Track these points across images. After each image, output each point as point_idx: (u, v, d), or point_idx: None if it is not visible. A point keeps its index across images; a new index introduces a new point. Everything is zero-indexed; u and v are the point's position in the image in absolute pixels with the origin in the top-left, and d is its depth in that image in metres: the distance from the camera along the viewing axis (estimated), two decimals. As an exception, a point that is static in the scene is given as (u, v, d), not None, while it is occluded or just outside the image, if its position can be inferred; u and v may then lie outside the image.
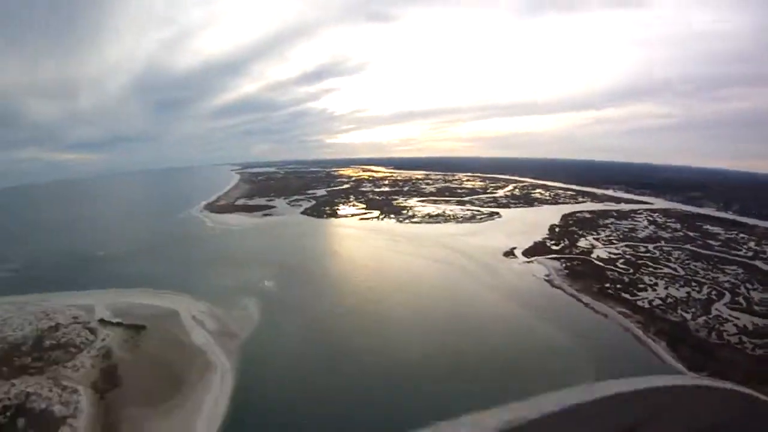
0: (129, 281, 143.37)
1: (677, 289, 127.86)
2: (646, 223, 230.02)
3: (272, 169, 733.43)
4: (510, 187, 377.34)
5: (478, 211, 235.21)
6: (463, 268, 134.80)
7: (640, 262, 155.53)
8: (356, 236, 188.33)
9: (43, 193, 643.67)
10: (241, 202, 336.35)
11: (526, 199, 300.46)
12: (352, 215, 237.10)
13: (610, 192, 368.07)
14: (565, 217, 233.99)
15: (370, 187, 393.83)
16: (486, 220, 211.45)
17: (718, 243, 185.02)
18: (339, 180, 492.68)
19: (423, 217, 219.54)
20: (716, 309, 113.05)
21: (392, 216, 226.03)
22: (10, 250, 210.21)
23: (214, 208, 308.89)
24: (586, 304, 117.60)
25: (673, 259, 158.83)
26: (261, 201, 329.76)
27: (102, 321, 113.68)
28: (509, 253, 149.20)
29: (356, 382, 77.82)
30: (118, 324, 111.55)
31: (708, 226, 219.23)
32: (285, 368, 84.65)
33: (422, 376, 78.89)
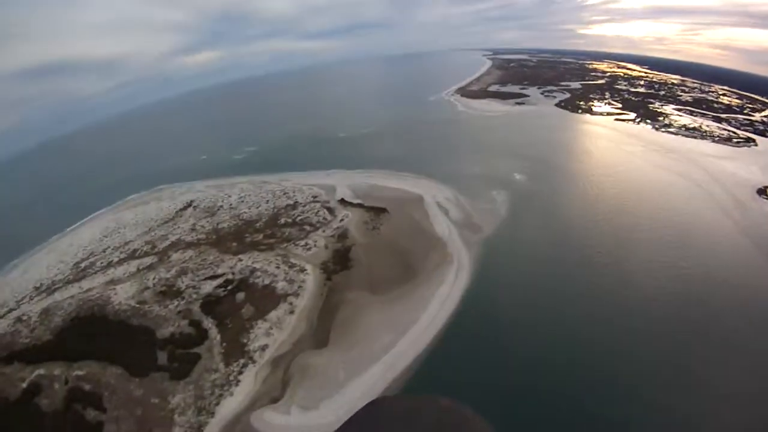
0: (374, 163, 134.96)
1: None
2: None
3: (524, 57, 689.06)
4: (767, 111, 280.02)
5: (734, 133, 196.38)
6: (713, 197, 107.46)
7: None
8: (610, 138, 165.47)
9: (287, 79, 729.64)
10: (493, 88, 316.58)
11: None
12: (608, 114, 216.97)
13: None
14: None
15: (625, 85, 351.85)
16: (743, 145, 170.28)
17: None
18: (593, 74, 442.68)
19: (679, 128, 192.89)
20: None
21: (648, 121, 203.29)
22: (253, 132, 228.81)
23: (466, 92, 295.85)
24: None
25: None
26: (514, 88, 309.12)
27: (342, 201, 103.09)
28: (762, 192, 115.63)
29: (585, 315, 62.03)
30: (359, 205, 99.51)
31: None
32: (523, 276, 72.20)
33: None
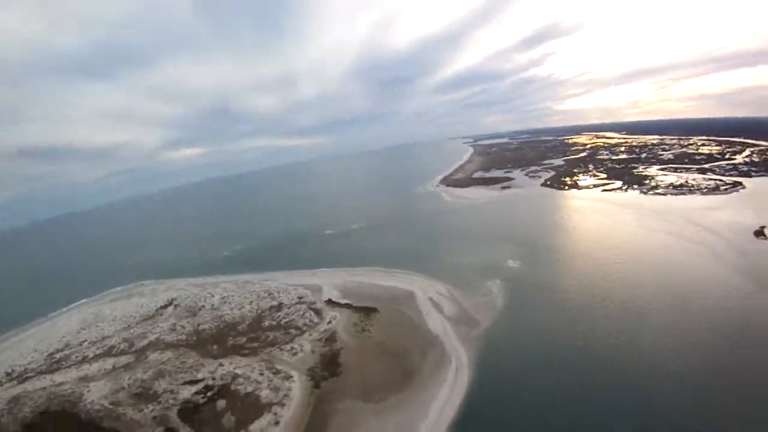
0: (361, 260, 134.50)
1: None
2: None
3: (504, 140, 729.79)
4: (747, 152, 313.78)
5: (720, 180, 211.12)
6: (714, 252, 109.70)
7: None
8: (601, 210, 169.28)
9: (274, 176, 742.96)
10: (477, 174, 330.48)
11: (767, 166, 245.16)
12: (594, 186, 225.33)
13: None
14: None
15: (606, 154, 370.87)
16: (731, 191, 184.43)
17: None
18: (574, 148, 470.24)
19: (666, 187, 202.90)
20: None
21: (635, 187, 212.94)
22: (239, 229, 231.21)
23: (451, 181, 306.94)
24: None
25: None
26: (498, 173, 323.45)
27: (329, 302, 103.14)
28: (760, 233, 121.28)
29: (605, 402, 58.92)
30: (347, 305, 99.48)
31: None
32: (528, 370, 68.61)
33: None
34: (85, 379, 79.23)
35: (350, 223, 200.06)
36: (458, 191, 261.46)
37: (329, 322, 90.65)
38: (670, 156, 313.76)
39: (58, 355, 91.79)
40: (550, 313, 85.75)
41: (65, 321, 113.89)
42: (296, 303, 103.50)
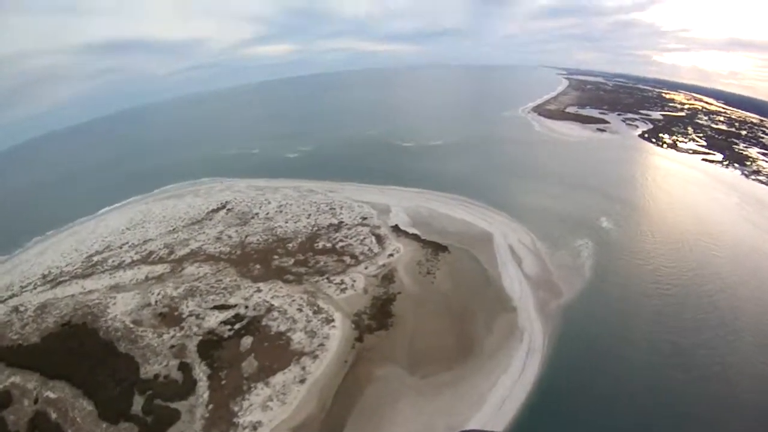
0: (437, 183, 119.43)
1: None
2: None
3: (600, 79, 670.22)
4: None
5: None
6: None
7: None
8: (702, 183, 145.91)
9: (359, 79, 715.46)
10: (571, 110, 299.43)
11: None
12: (693, 152, 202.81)
13: None
14: None
15: (706, 120, 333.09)
16: None
17: None
18: (671, 105, 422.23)
19: None
20: None
21: (736, 165, 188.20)
22: (312, 130, 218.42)
23: (543, 111, 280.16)
24: None
25: None
26: (593, 112, 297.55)
27: (395, 229, 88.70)
28: None
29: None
30: (415, 237, 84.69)
31: None
32: (618, 367, 54.42)
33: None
34: (116, 288, 73.58)
35: (430, 138, 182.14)
36: (550, 123, 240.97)
37: (390, 255, 76.68)
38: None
39: (95, 258, 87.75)
40: (645, 295, 71.12)
41: (115, 218, 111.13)
42: (358, 224, 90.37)
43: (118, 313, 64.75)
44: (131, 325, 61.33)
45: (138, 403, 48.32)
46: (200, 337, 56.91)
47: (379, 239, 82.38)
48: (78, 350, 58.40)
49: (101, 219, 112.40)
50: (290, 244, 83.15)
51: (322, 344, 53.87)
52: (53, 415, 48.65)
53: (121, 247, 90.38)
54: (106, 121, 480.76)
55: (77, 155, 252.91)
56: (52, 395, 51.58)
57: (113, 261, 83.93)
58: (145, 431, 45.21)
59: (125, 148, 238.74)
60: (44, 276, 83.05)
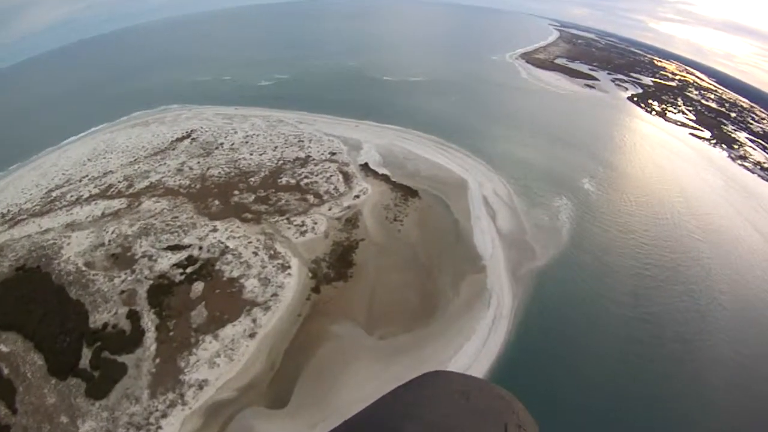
0: (417, 121, 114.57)
1: None
2: None
3: (592, 36, 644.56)
4: None
5: None
6: None
7: None
8: (688, 158, 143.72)
9: (345, 5, 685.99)
10: (560, 61, 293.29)
11: None
12: (682, 124, 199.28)
13: None
14: None
15: (696, 95, 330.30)
16: None
17: None
18: (663, 73, 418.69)
19: (755, 164, 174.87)
20: None
21: (723, 146, 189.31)
22: (290, 57, 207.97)
23: (531, 59, 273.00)
24: None
25: None
26: (583, 67, 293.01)
27: (365, 167, 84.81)
28: None
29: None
30: (385, 178, 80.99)
31: None
32: (590, 344, 52.97)
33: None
34: (71, 226, 71.01)
35: (411, 73, 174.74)
36: (537, 72, 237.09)
37: (357, 197, 73.36)
38: (760, 130, 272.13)
39: (54, 193, 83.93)
40: (623, 273, 67.45)
41: (78, 149, 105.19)
42: (326, 160, 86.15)
43: (72, 254, 62.67)
44: (84, 268, 59.46)
45: (86, 357, 47.43)
46: (151, 281, 55.30)
47: (347, 178, 78.66)
48: (30, 297, 56.77)
49: (65, 150, 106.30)
50: (252, 179, 79.39)
51: (275, 294, 52.15)
52: (5, 371, 47.56)
53: (80, 181, 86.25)
54: (90, 43, 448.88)
55: (50, 82, 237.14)
56: (4, 348, 50.32)
57: (71, 196, 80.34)
58: (92, 390, 44.48)
59: (101, 73, 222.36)
60: (3, 215, 79.63)
